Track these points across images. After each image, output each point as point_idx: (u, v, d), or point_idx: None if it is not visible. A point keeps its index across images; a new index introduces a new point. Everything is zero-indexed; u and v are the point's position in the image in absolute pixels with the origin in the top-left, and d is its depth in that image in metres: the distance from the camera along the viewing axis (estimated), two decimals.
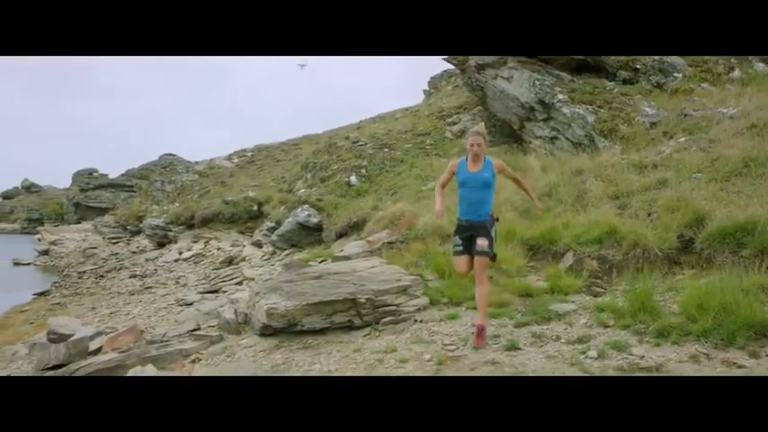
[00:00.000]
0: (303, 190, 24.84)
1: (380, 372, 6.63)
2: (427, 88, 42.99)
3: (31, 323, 18.02)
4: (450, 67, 30.11)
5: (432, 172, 20.92)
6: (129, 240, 37.33)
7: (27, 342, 13.61)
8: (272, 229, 22.61)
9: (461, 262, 7.48)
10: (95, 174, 70.80)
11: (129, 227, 39.29)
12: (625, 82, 19.26)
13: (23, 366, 11.26)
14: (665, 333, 6.70)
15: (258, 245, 23.54)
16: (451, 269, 8.67)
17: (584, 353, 6.51)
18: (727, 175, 10.58)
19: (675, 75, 18.43)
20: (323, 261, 14.41)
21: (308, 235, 20.74)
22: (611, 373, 5.95)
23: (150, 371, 7.05)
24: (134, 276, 24.59)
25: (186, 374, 7.76)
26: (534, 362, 6.46)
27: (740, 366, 5.77)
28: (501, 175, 7.50)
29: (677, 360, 6.10)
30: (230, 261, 22.80)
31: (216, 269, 22.31)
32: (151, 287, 21.45)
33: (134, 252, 32.37)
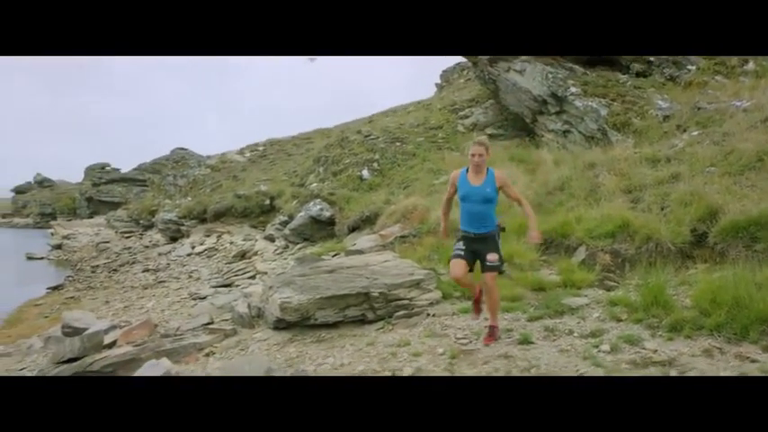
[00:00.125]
0: (315, 184, 24.83)
1: (393, 365, 6.66)
2: (439, 81, 42.85)
3: (46, 317, 18.15)
4: (463, 60, 30.02)
5: (444, 165, 20.88)
6: (141, 235, 37.37)
7: (42, 335, 13.72)
8: (285, 223, 22.62)
9: (458, 266, 7.05)
10: (107, 168, 70.78)
11: (141, 221, 39.31)
12: (638, 75, 19.15)
13: (39, 360, 11.33)
14: (677, 327, 6.70)
15: (270, 239, 23.55)
16: None
17: (597, 347, 6.53)
18: (740, 169, 10.54)
19: (689, 67, 18.30)
20: (336, 255, 14.45)
21: (321, 229, 20.75)
22: (623, 366, 5.95)
23: (165, 364, 7.10)
24: (147, 270, 24.65)
25: (200, 368, 7.82)
26: (547, 356, 6.47)
27: (753, 361, 5.76)
28: (502, 192, 7.07)
29: (690, 354, 6.10)
30: (243, 255, 22.83)
31: (229, 263, 22.33)
32: (164, 281, 21.54)
33: (147, 246, 32.43)
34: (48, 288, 23.40)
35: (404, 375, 6.31)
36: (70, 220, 60.66)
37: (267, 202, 27.26)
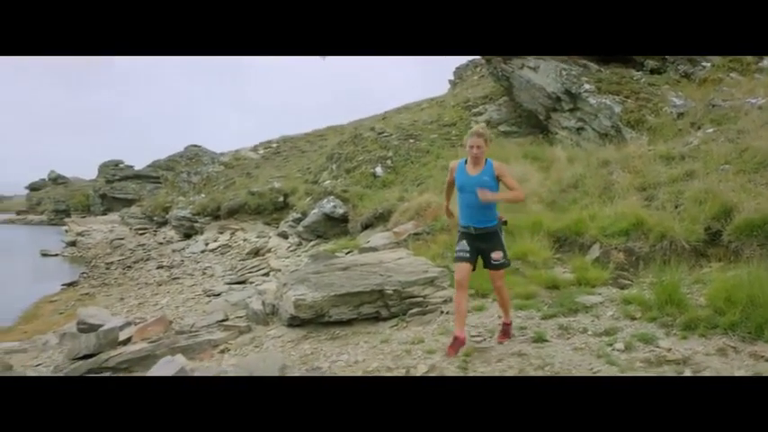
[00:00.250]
0: (329, 181, 24.84)
1: (407, 363, 6.68)
2: (453, 78, 42.79)
3: (61, 313, 18.29)
4: (476, 56, 29.95)
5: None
6: (155, 231, 37.54)
7: (58, 332, 13.82)
8: (298, 221, 22.65)
9: (463, 269, 6.78)
10: (121, 165, 71.04)
11: (155, 218, 39.47)
12: (652, 72, 19.07)
13: (55, 356, 11.41)
14: (692, 326, 6.68)
15: (284, 236, 23.60)
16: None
17: (611, 345, 6.52)
18: (755, 167, 10.48)
19: (704, 64, 18.20)
20: (349, 252, 14.49)
21: (334, 226, 20.77)
22: (637, 365, 5.95)
23: (180, 360, 7.14)
24: (161, 267, 24.77)
25: (215, 364, 7.86)
26: (561, 354, 6.47)
27: None
28: (501, 183, 6.73)
29: (704, 353, 6.09)
30: (256, 252, 22.89)
31: (242, 260, 22.41)
32: (178, 278, 21.63)
33: (161, 243, 32.56)
34: (62, 284, 23.61)
35: (418, 373, 6.34)
36: (84, 216, 61.03)
37: (280, 199, 27.27)
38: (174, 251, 28.54)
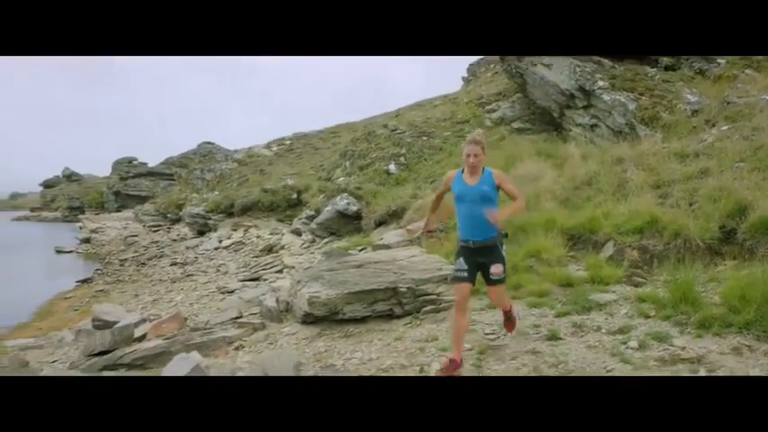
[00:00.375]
0: (342, 178, 24.90)
1: (421, 360, 6.71)
2: (466, 75, 42.71)
3: (76, 310, 18.39)
4: None
5: None
6: (169, 228, 37.69)
7: (73, 328, 13.94)
8: (311, 218, 22.71)
9: (463, 290, 6.46)
10: (135, 162, 71.30)
11: (169, 215, 39.63)
12: (667, 68, 18.99)
13: (70, 352, 11.51)
14: (706, 324, 6.66)
15: (297, 233, 23.65)
16: None
17: (625, 343, 6.52)
18: None
19: (718, 61, 18.10)
20: (362, 249, 14.51)
21: (347, 223, 20.81)
22: (652, 363, 5.95)
23: (195, 357, 7.17)
24: (175, 264, 24.86)
25: (230, 361, 7.90)
26: (575, 352, 6.48)
27: None
28: (502, 190, 6.40)
29: (719, 352, 6.07)
30: (270, 249, 22.94)
31: (256, 257, 22.46)
32: (192, 275, 21.69)
33: (174, 240, 32.70)
34: (77, 281, 23.72)
35: (431, 371, 6.36)
36: (98, 213, 61.39)
37: (294, 196, 27.34)
38: (187, 248, 28.64)
